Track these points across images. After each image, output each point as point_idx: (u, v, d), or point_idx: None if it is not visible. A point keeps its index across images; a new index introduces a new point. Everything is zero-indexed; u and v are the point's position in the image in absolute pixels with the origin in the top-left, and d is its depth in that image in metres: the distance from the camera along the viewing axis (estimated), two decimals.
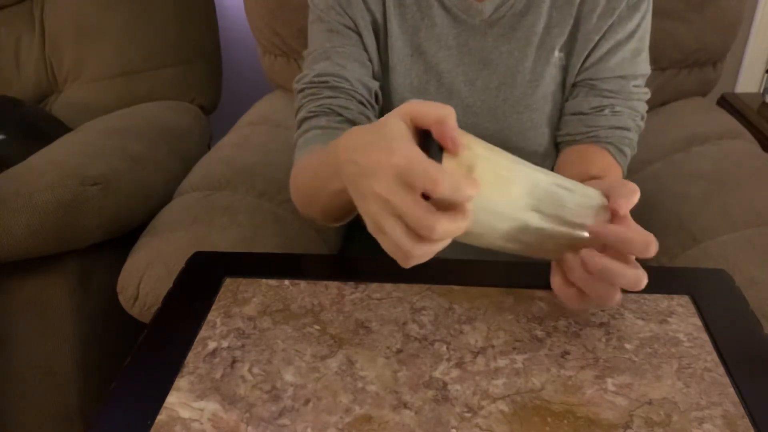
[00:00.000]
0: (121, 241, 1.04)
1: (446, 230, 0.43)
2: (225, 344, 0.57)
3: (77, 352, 1.05)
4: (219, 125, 1.52)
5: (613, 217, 0.53)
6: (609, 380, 0.53)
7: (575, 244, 0.53)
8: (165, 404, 0.51)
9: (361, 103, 0.77)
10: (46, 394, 1.06)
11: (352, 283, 0.64)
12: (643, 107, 0.79)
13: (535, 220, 0.50)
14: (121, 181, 1.04)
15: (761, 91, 1.65)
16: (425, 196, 0.43)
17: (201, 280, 0.66)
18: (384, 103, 0.82)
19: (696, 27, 1.26)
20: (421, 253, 0.45)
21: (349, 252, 1.07)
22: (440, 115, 0.45)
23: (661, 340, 0.57)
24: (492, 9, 0.76)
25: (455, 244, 0.95)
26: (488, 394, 0.51)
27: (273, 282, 0.65)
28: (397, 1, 0.78)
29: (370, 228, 0.47)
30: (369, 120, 0.77)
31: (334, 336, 0.58)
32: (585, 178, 0.72)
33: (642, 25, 0.76)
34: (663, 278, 0.68)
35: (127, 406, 0.52)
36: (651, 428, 0.48)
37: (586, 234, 0.53)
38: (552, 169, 0.82)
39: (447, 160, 0.45)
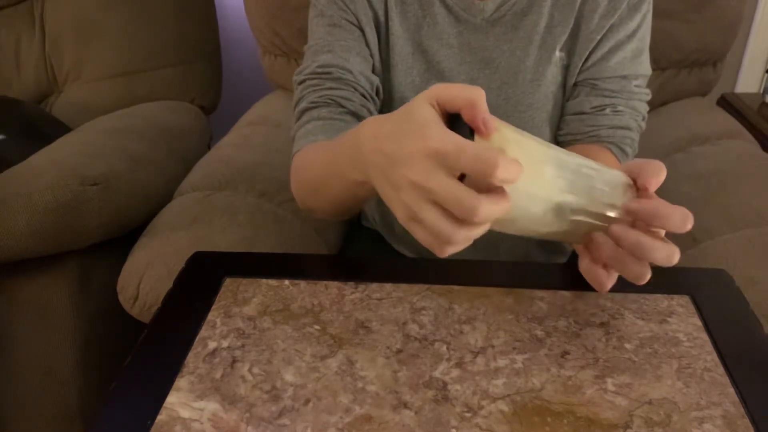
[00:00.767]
0: (121, 241, 1.04)
1: (489, 212, 0.42)
2: (225, 344, 0.57)
3: (77, 352, 1.05)
4: (219, 125, 1.52)
5: (642, 195, 0.53)
6: (609, 380, 0.53)
7: (605, 226, 0.53)
8: (165, 404, 0.51)
9: (363, 96, 0.76)
10: (46, 394, 1.06)
11: (352, 283, 0.64)
12: (645, 108, 0.79)
13: (570, 202, 0.49)
14: (121, 181, 1.04)
15: (761, 91, 1.65)
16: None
17: (201, 280, 0.66)
18: (384, 101, 0.82)
19: (696, 27, 1.26)
20: (462, 238, 0.44)
21: (349, 252, 1.07)
22: (471, 97, 0.43)
23: (661, 340, 0.57)
24: (493, 8, 0.76)
25: None
26: (488, 394, 0.51)
27: (273, 282, 0.65)
28: None
29: (403, 219, 0.46)
30: (371, 113, 0.77)
31: (334, 336, 0.58)
32: None
33: (643, 25, 0.76)
34: (663, 278, 0.68)
35: (127, 406, 0.52)
36: (651, 428, 0.48)
37: (616, 214, 0.52)
38: None
39: (480, 143, 0.44)
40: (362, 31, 0.78)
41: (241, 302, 0.63)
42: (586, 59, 0.77)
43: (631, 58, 0.77)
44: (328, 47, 0.77)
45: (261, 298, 0.63)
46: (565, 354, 0.55)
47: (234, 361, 0.56)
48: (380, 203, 0.98)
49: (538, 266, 0.72)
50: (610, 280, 0.55)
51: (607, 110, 0.77)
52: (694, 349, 0.56)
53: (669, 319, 0.60)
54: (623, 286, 0.64)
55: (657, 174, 0.52)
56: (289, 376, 0.54)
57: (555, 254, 0.94)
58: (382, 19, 0.79)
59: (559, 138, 0.81)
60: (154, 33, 1.40)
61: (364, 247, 1.05)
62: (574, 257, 0.96)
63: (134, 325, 0.92)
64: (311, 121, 0.74)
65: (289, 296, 0.63)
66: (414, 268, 0.72)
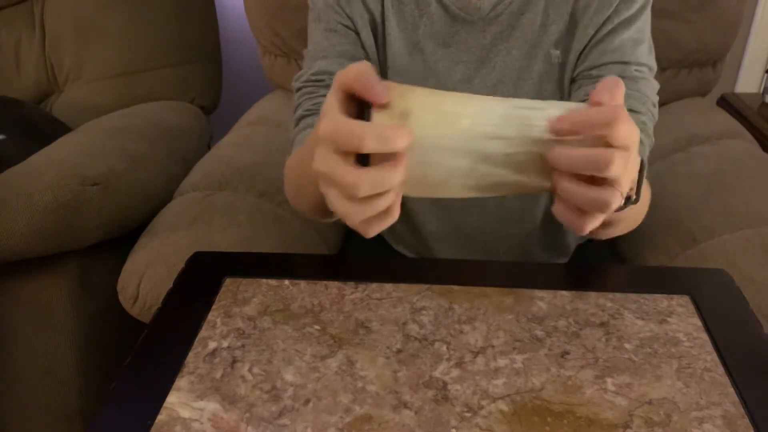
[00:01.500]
0: (121, 241, 1.04)
1: (373, 183, 0.42)
2: (225, 344, 0.57)
3: (77, 352, 1.05)
4: (219, 125, 1.51)
5: None
6: (609, 380, 0.53)
7: None
8: (165, 404, 0.51)
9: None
10: (46, 393, 1.06)
11: (352, 283, 0.64)
12: (653, 94, 0.74)
13: (499, 146, 0.45)
14: (121, 181, 1.04)
15: (761, 91, 1.65)
16: (365, 159, 0.42)
17: (201, 280, 0.66)
18: None
19: (695, 27, 1.26)
20: (359, 214, 0.43)
21: (349, 252, 1.07)
22: (356, 71, 0.43)
23: (661, 340, 0.57)
24: (490, 7, 0.76)
25: (455, 243, 0.94)
26: (488, 394, 0.51)
27: (273, 282, 0.65)
28: None
29: (331, 208, 0.46)
30: None
31: (334, 336, 0.58)
32: None
33: (641, 16, 0.74)
34: (663, 278, 0.68)
35: (127, 406, 0.52)
36: (651, 428, 0.48)
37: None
38: None
39: (377, 114, 0.43)
40: (358, 33, 0.79)
41: (241, 302, 0.63)
42: (581, 53, 0.76)
43: (629, 47, 0.74)
44: (324, 53, 0.78)
45: (261, 298, 0.63)
46: (565, 354, 0.55)
47: (234, 361, 0.56)
48: None
49: (538, 266, 0.72)
50: (586, 221, 0.47)
51: None
52: (694, 349, 0.56)
53: (669, 319, 0.60)
54: (623, 286, 0.65)
55: (610, 87, 0.46)
56: (289, 376, 0.54)
57: (555, 254, 0.94)
58: (378, 20, 0.79)
59: None
60: (154, 33, 1.40)
61: (364, 247, 1.05)
62: (574, 257, 0.96)
63: (134, 325, 0.92)
64: (306, 129, 0.75)
65: (289, 296, 0.63)
66: (414, 268, 0.72)
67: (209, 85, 1.51)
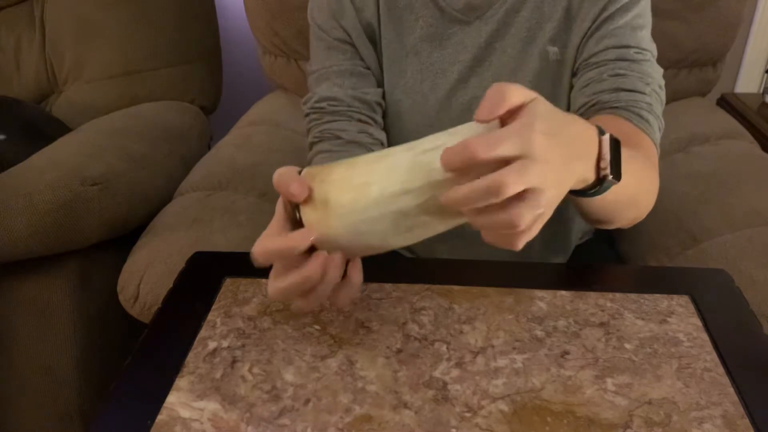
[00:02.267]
0: (121, 241, 1.04)
1: (273, 290, 0.52)
2: (225, 344, 0.57)
3: (77, 352, 1.05)
4: (219, 125, 1.51)
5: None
6: (609, 380, 0.53)
7: None
8: (165, 404, 0.51)
9: (360, 120, 0.80)
10: (46, 393, 1.06)
11: None
12: (659, 76, 0.71)
13: (409, 201, 0.47)
14: (121, 181, 1.04)
15: (761, 91, 1.65)
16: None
17: (201, 280, 0.66)
18: (385, 107, 0.83)
19: (695, 27, 1.26)
20: (316, 302, 0.52)
21: None
22: (278, 178, 0.50)
23: (661, 340, 0.57)
24: (486, 7, 0.76)
25: (455, 242, 0.94)
26: (488, 394, 0.51)
27: None
28: (391, 3, 0.79)
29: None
30: (370, 136, 0.80)
31: (334, 336, 0.58)
32: None
33: (638, 3, 0.73)
34: (663, 278, 0.68)
35: (127, 406, 0.52)
36: (651, 428, 0.48)
37: None
38: None
39: (303, 210, 0.50)
40: (354, 46, 0.81)
41: (241, 302, 0.63)
42: (579, 45, 0.75)
43: (629, 31, 0.71)
44: (325, 75, 0.81)
45: (261, 298, 0.63)
46: (565, 354, 0.55)
47: (234, 361, 0.56)
48: None
49: (538, 266, 0.72)
50: (516, 240, 0.44)
51: (605, 75, 0.70)
52: (694, 349, 0.56)
53: (669, 319, 0.60)
54: (623, 286, 0.64)
55: (489, 99, 0.42)
56: (289, 376, 0.54)
57: (555, 254, 0.94)
58: (375, 26, 0.80)
59: None
60: (154, 33, 1.40)
61: None
62: (574, 257, 0.96)
63: (134, 325, 0.92)
64: (318, 154, 0.80)
65: None
66: (414, 268, 0.72)
67: (209, 85, 1.51)
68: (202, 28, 1.47)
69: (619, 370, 0.54)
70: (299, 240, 0.49)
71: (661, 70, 0.73)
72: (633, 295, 0.62)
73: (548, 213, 0.44)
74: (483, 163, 0.41)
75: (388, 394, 0.52)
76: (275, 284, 0.51)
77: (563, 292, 0.63)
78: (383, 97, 0.83)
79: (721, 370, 0.54)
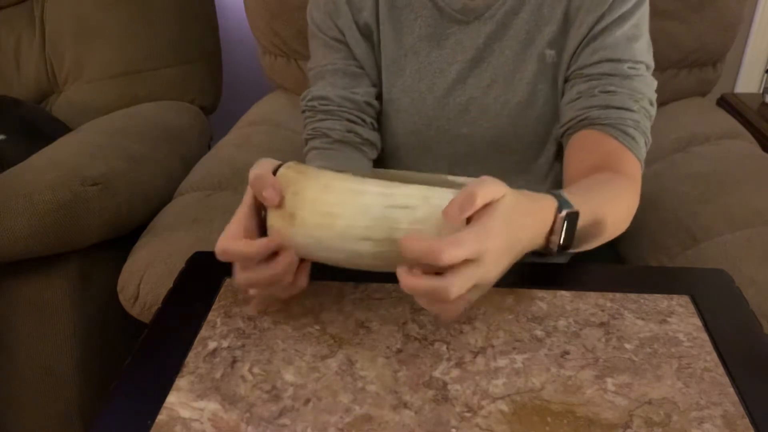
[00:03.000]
0: (121, 241, 1.04)
1: (246, 283, 0.55)
2: (225, 344, 0.57)
3: (77, 352, 1.05)
4: (219, 125, 1.51)
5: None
6: (609, 380, 0.53)
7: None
8: (165, 404, 0.51)
9: (349, 120, 0.82)
10: (46, 393, 1.06)
11: (352, 283, 0.64)
12: (650, 91, 0.73)
13: (367, 248, 0.50)
14: (121, 181, 1.04)
15: (761, 91, 1.65)
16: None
17: (201, 280, 0.66)
18: (382, 106, 0.84)
19: (695, 27, 1.26)
20: (266, 296, 0.58)
21: None
22: (254, 175, 0.53)
23: (661, 340, 0.57)
24: (484, 7, 0.77)
25: None
26: (488, 394, 0.51)
27: None
28: (390, 3, 0.80)
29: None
30: (358, 136, 0.82)
31: (334, 336, 0.58)
32: (590, 170, 0.69)
33: (636, 13, 0.73)
34: (663, 278, 0.68)
35: (127, 406, 0.52)
36: (651, 428, 0.48)
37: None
38: (559, 170, 0.81)
39: (270, 214, 0.53)
40: (348, 45, 0.82)
41: (241, 302, 0.63)
42: (575, 51, 0.75)
43: (624, 43, 0.72)
44: (321, 74, 0.84)
45: (261, 298, 0.63)
46: (565, 354, 0.55)
47: (234, 361, 0.56)
48: None
49: (538, 266, 0.72)
50: (448, 313, 0.50)
51: (596, 91, 0.72)
52: (694, 349, 0.56)
53: (669, 319, 0.60)
54: (623, 286, 0.64)
55: (459, 203, 0.47)
56: (289, 376, 0.54)
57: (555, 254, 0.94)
58: (372, 26, 0.81)
59: (557, 134, 0.80)
60: (154, 33, 1.40)
61: None
62: (574, 257, 0.96)
63: (134, 325, 0.92)
64: (311, 150, 0.83)
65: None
66: None
67: (209, 85, 1.51)
68: (202, 28, 1.47)
69: (619, 370, 0.54)
70: (262, 249, 0.52)
71: (654, 84, 0.74)
72: (633, 295, 0.62)
73: (484, 287, 0.49)
74: (426, 260, 0.46)
75: (388, 394, 0.52)
76: (244, 275, 0.54)
77: (563, 292, 0.63)
78: (378, 97, 0.83)
79: (721, 370, 0.54)
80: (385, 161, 0.88)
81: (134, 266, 0.93)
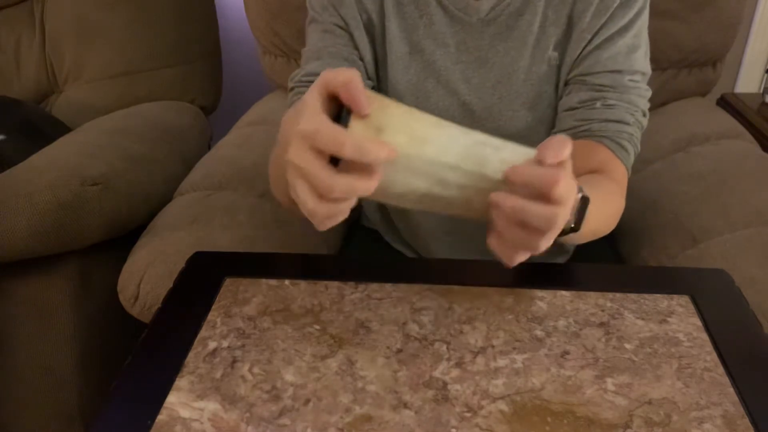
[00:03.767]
0: (121, 241, 1.04)
1: (345, 189, 0.45)
2: (225, 344, 0.57)
3: (77, 352, 1.05)
4: (219, 125, 1.51)
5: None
6: (609, 380, 0.53)
7: None
8: (165, 404, 0.51)
9: None
10: (46, 393, 1.06)
11: (352, 283, 0.64)
12: (644, 103, 0.77)
13: (454, 177, 0.49)
14: (121, 181, 1.04)
15: (761, 91, 1.65)
16: (338, 160, 0.45)
17: (201, 280, 0.66)
18: None
19: (695, 27, 1.26)
20: (325, 212, 0.46)
21: (349, 252, 1.07)
22: (345, 77, 0.46)
23: (661, 340, 0.57)
24: (489, 8, 0.77)
25: (455, 242, 0.94)
26: (488, 393, 0.51)
27: (273, 282, 0.65)
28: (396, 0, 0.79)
29: (293, 196, 0.48)
30: None
31: (334, 336, 0.58)
32: (583, 174, 0.72)
33: (637, 22, 0.75)
34: (663, 278, 0.68)
35: (127, 406, 0.52)
36: (651, 428, 0.48)
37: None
38: None
39: (354, 123, 0.46)
40: (351, 35, 0.80)
41: (241, 302, 0.63)
42: (577, 57, 0.77)
43: (624, 54, 0.75)
44: (318, 54, 0.81)
45: (261, 298, 0.63)
46: (565, 354, 0.55)
47: (234, 361, 0.56)
48: (380, 203, 0.98)
49: (538, 266, 0.72)
50: (515, 258, 0.51)
51: (598, 104, 0.75)
52: (694, 349, 0.56)
53: (669, 319, 0.60)
54: (623, 286, 0.65)
55: (554, 147, 0.48)
56: (289, 376, 0.54)
57: (555, 254, 0.94)
58: (377, 21, 0.80)
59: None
60: (154, 33, 1.40)
61: (364, 247, 1.05)
62: (574, 257, 0.96)
63: (134, 325, 0.92)
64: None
65: (289, 296, 0.63)
66: (414, 268, 0.72)
67: (209, 85, 1.51)
68: (202, 28, 1.47)
69: (619, 370, 0.54)
70: (379, 151, 0.44)
71: (648, 94, 0.78)
72: (633, 295, 0.62)
73: (548, 242, 0.49)
74: (539, 184, 0.47)
75: (388, 394, 0.52)
76: (326, 173, 0.45)
77: (563, 292, 0.63)
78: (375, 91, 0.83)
79: (721, 370, 0.54)
80: None
81: (134, 266, 0.93)
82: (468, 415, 0.50)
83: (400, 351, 0.56)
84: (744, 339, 0.58)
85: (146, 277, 0.91)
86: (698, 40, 1.27)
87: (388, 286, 0.64)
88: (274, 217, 1.01)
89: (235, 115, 1.40)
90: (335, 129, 0.44)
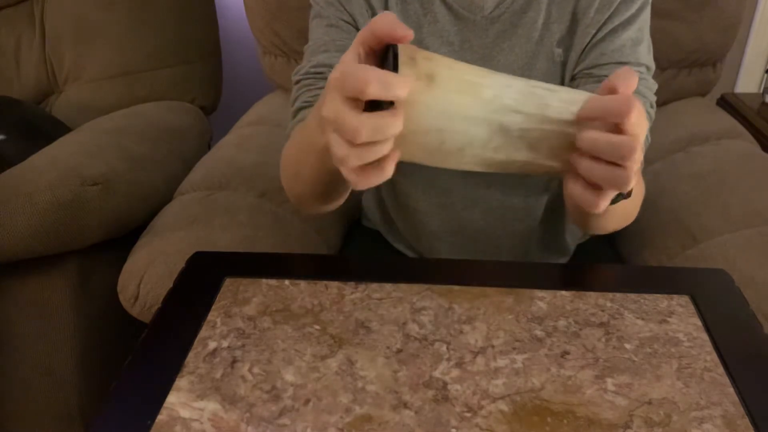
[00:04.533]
0: (121, 241, 1.04)
1: (374, 129, 0.42)
2: (225, 344, 0.57)
3: (77, 352, 1.05)
4: (219, 125, 1.51)
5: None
6: (609, 380, 0.53)
7: (570, 146, 0.48)
8: (165, 404, 0.51)
9: None
10: (46, 393, 1.06)
11: (352, 283, 0.64)
12: (651, 94, 0.76)
13: (518, 121, 0.46)
14: (121, 181, 1.04)
15: (761, 91, 1.65)
16: (375, 106, 0.42)
17: (201, 280, 0.66)
18: None
19: (695, 27, 1.26)
20: (359, 160, 0.44)
21: (349, 252, 1.07)
22: (386, 22, 0.44)
23: (661, 340, 0.57)
24: (493, 5, 0.77)
25: (457, 242, 0.94)
26: (488, 394, 0.51)
27: (273, 282, 0.65)
28: None
29: (332, 155, 0.46)
30: None
31: (334, 336, 0.58)
32: None
33: (641, 16, 0.75)
34: (663, 278, 0.68)
35: (127, 406, 0.52)
36: (651, 428, 0.48)
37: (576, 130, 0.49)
38: (557, 186, 0.81)
39: (404, 69, 0.43)
40: (358, 30, 0.79)
41: (241, 302, 0.63)
42: (582, 51, 0.76)
43: (629, 46, 0.75)
44: (324, 47, 0.79)
45: (261, 298, 0.63)
46: (565, 354, 0.55)
47: (234, 361, 0.56)
48: (381, 202, 0.98)
49: (538, 266, 0.73)
50: (601, 199, 0.49)
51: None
52: (694, 349, 0.56)
53: (669, 319, 0.60)
54: (623, 286, 0.65)
55: (624, 77, 0.47)
56: (289, 376, 0.54)
57: (555, 254, 0.94)
58: None
59: None
60: (154, 33, 1.40)
61: (364, 247, 1.05)
62: (574, 257, 0.96)
63: (134, 325, 0.92)
64: (302, 122, 0.75)
65: (289, 296, 0.63)
66: (414, 268, 0.72)
67: (209, 85, 1.51)
68: (202, 28, 1.47)
69: (619, 370, 0.54)
70: (402, 82, 0.42)
71: (655, 86, 0.76)
72: (633, 295, 0.62)
73: (630, 175, 0.47)
74: (617, 112, 0.45)
75: (388, 394, 0.52)
76: (357, 119, 0.43)
77: (563, 292, 0.63)
78: None
79: (721, 370, 0.54)
80: None
81: (134, 266, 0.93)
82: (468, 415, 0.50)
83: (400, 351, 0.56)
84: (744, 339, 0.58)
85: (146, 277, 0.91)
86: (698, 40, 1.27)
87: (388, 286, 0.64)
88: (274, 217, 1.01)
89: (235, 115, 1.40)
90: (359, 68, 0.42)
